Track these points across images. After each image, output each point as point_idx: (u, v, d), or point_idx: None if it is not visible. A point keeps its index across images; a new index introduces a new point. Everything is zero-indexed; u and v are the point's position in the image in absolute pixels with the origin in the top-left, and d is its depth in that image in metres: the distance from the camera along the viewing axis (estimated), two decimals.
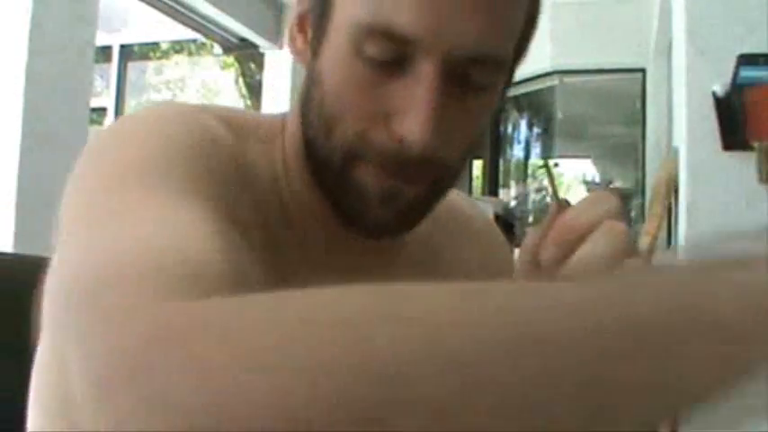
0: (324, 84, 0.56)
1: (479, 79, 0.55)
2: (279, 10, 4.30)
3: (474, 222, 0.77)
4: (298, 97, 0.61)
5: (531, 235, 0.53)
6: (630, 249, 0.50)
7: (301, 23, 0.60)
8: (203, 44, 6.33)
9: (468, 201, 0.81)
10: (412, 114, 0.52)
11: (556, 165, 6.11)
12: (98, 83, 5.48)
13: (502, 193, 6.07)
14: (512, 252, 0.82)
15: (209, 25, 4.12)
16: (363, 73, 0.54)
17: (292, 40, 0.62)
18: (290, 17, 0.61)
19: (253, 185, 0.59)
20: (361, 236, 0.60)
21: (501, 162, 6.16)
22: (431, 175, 0.57)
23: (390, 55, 0.53)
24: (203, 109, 0.61)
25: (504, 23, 0.55)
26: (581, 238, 0.49)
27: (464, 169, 0.61)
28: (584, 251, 0.49)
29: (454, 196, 0.78)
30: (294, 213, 0.62)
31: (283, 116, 0.66)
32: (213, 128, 0.57)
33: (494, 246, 0.77)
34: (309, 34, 0.59)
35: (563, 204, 0.52)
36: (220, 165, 0.54)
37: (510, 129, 6.31)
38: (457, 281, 0.59)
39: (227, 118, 0.61)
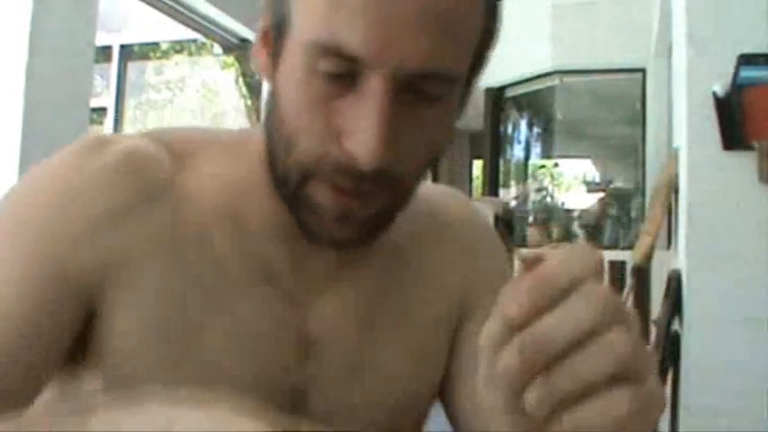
0: (282, 100, 0.58)
1: (431, 91, 0.56)
2: None
3: (458, 226, 0.76)
4: (263, 113, 0.63)
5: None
6: (614, 318, 0.40)
7: (265, 38, 0.62)
8: (203, 44, 6.33)
9: (458, 201, 0.80)
10: (361, 132, 0.53)
11: (556, 165, 6.11)
12: (98, 83, 5.47)
13: (502, 192, 6.08)
14: (504, 254, 0.80)
15: (209, 25, 4.11)
16: (317, 88, 0.55)
17: (257, 55, 0.63)
18: (256, 33, 0.63)
19: (191, 204, 0.62)
20: (323, 248, 0.62)
21: (501, 162, 6.16)
22: (385, 191, 0.57)
23: (342, 70, 0.54)
24: (145, 136, 0.65)
25: (452, 41, 0.55)
26: (558, 297, 0.40)
27: (421, 181, 0.62)
28: (559, 317, 0.39)
29: (443, 198, 0.78)
30: (253, 225, 0.64)
31: (250, 131, 0.68)
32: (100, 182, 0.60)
33: (479, 251, 0.76)
34: (271, 48, 0.60)
35: (530, 260, 0.42)
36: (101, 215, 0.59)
37: (510, 129, 6.31)
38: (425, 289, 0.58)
39: (171, 142, 0.65)
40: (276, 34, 0.58)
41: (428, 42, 0.53)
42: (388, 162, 0.54)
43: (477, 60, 0.60)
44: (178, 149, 0.65)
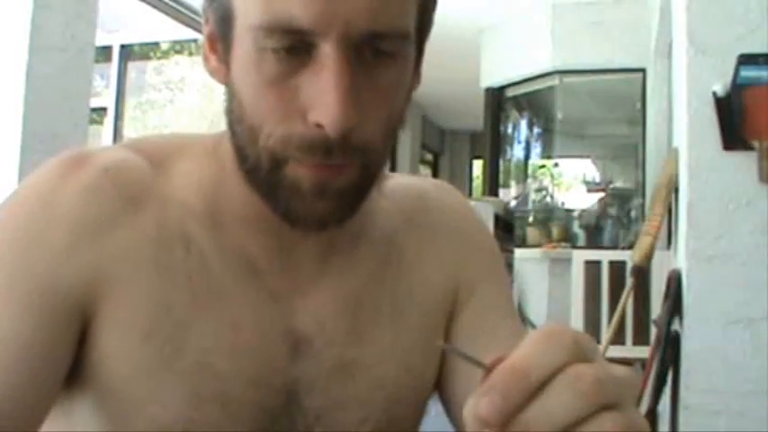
0: (239, 92, 0.58)
1: (385, 49, 0.56)
2: None
3: (446, 216, 0.76)
4: (224, 116, 0.63)
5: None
6: (603, 403, 0.36)
7: (211, 43, 0.62)
8: None
9: (444, 191, 0.80)
10: (324, 99, 0.54)
11: (556, 165, 6.11)
12: (98, 83, 5.48)
13: (502, 192, 6.08)
14: (494, 242, 0.80)
15: None
16: (271, 70, 0.55)
17: (206, 61, 0.63)
18: (202, 41, 0.63)
19: (172, 208, 0.63)
20: (304, 231, 0.62)
21: (501, 162, 6.16)
22: (356, 158, 0.57)
23: (292, 44, 0.54)
24: (124, 146, 0.66)
25: None
26: (533, 389, 0.36)
27: (388, 148, 0.62)
28: (538, 409, 0.36)
29: (429, 189, 0.78)
30: (234, 223, 0.65)
31: (224, 132, 0.67)
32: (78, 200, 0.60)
33: (469, 240, 0.76)
34: (219, 51, 0.61)
35: (492, 364, 0.38)
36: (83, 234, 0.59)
37: (510, 129, 6.31)
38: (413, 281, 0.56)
39: (148, 150, 0.66)
40: (222, 31, 0.59)
41: (370, 1, 0.54)
42: (352, 126, 0.54)
43: (424, 17, 0.61)
44: (155, 156, 0.65)
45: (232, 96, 0.59)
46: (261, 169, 0.58)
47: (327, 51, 0.54)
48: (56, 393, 0.59)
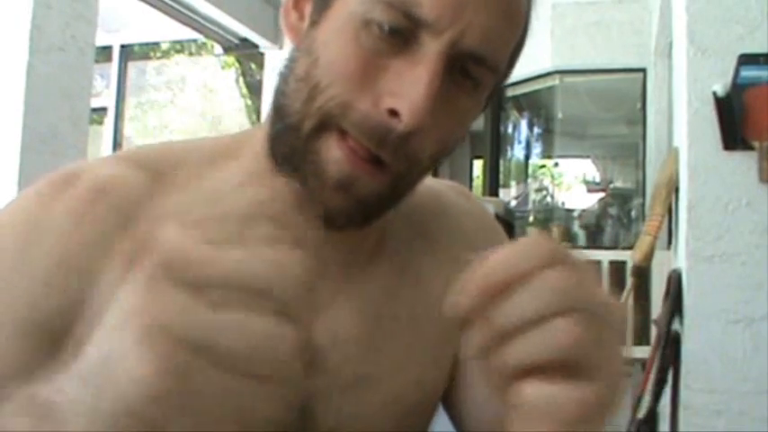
0: (319, 51, 0.56)
1: (475, 76, 0.56)
2: (279, 10, 4.30)
3: (468, 227, 0.75)
4: (277, 76, 0.61)
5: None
6: (573, 305, 0.40)
7: (297, 0, 0.61)
8: (204, 44, 6.33)
9: (469, 202, 0.79)
10: (412, 89, 0.53)
11: (556, 165, 6.11)
12: (98, 83, 5.47)
13: (502, 192, 6.08)
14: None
15: (209, 25, 4.12)
16: (367, 42, 0.54)
17: (286, 14, 0.62)
18: None
19: (172, 223, 0.59)
20: (307, 217, 0.59)
21: (501, 162, 6.16)
22: (401, 163, 0.56)
23: (400, 25, 0.53)
24: (120, 159, 0.63)
25: (509, 28, 0.57)
26: (506, 287, 0.40)
27: (428, 172, 0.61)
28: (511, 301, 0.40)
29: (446, 193, 0.76)
30: (245, 235, 0.62)
31: (241, 133, 0.66)
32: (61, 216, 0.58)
33: (484, 246, 0.75)
34: (309, 6, 0.60)
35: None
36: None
37: (510, 129, 6.31)
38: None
39: (146, 161, 0.62)
40: None
41: (491, 22, 0.54)
42: (425, 126, 0.53)
43: (509, 65, 0.61)
44: (154, 168, 0.62)
45: (305, 54, 0.57)
46: (300, 130, 0.56)
47: (432, 49, 0.53)
48: None
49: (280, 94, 0.59)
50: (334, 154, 0.55)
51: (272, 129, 0.60)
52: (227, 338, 0.58)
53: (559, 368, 0.40)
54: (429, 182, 0.77)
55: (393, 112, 0.53)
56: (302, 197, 0.58)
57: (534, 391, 0.40)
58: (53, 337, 0.56)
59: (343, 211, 0.57)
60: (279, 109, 0.59)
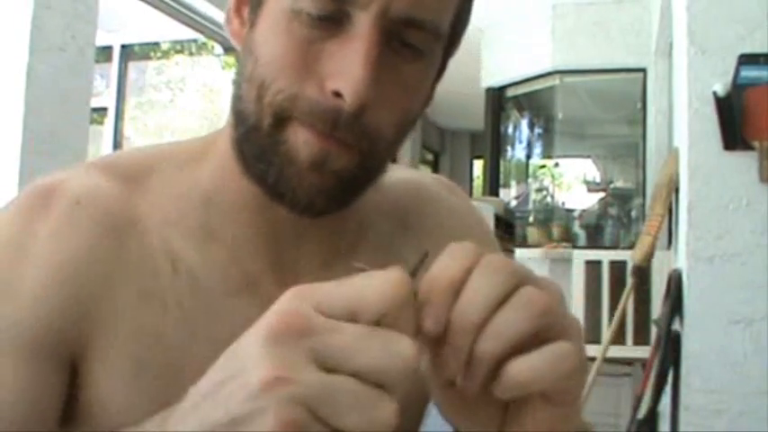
0: (258, 50, 0.56)
1: (415, 42, 0.56)
2: None
3: (450, 219, 0.74)
4: (232, 84, 0.62)
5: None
6: (526, 280, 0.42)
7: (238, 7, 0.62)
8: (204, 44, 6.33)
9: (451, 193, 0.78)
10: (349, 68, 0.53)
11: (556, 164, 6.11)
12: (98, 83, 5.47)
13: (502, 192, 6.08)
14: (498, 248, 0.79)
15: (209, 25, 4.11)
16: (300, 32, 0.54)
17: (229, 23, 0.62)
18: (228, 2, 0.63)
19: (153, 228, 0.60)
20: (291, 210, 0.59)
21: (501, 162, 6.16)
22: (362, 140, 0.56)
23: (328, 10, 0.53)
24: (93, 168, 0.62)
25: None
26: (453, 289, 0.41)
27: (397, 146, 0.60)
28: (467, 300, 0.41)
29: (436, 189, 0.76)
30: (224, 234, 0.62)
31: (213, 134, 0.66)
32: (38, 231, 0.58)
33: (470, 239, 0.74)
34: (247, 10, 0.60)
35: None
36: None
37: (510, 129, 6.31)
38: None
39: (122, 168, 0.62)
40: None
41: None
42: (370, 101, 0.53)
43: (458, 21, 0.60)
44: (130, 173, 0.62)
45: (248, 56, 0.58)
46: (261, 129, 0.56)
47: (362, 23, 0.53)
48: None
49: (236, 99, 0.59)
50: (301, 136, 0.55)
51: (235, 132, 0.60)
52: (215, 340, 0.58)
53: (534, 339, 0.41)
54: (412, 174, 0.77)
55: (337, 94, 0.53)
56: (272, 194, 0.59)
57: (521, 365, 0.41)
58: (54, 354, 0.56)
59: (318, 192, 0.56)
60: (238, 113, 0.59)
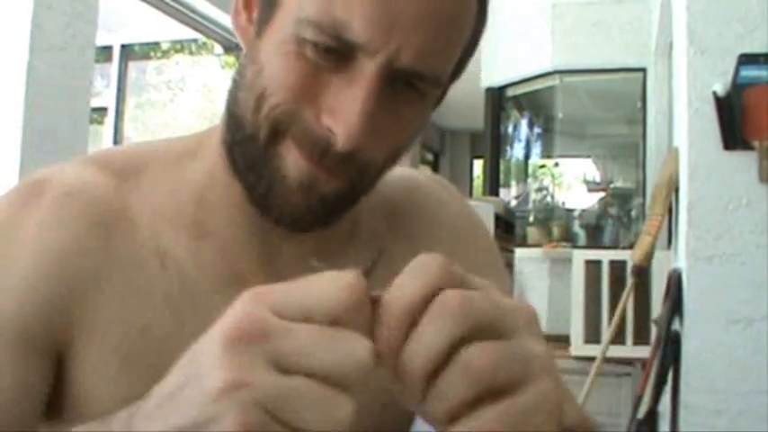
0: (262, 62, 0.56)
1: (417, 87, 0.56)
2: None
3: (445, 218, 0.74)
4: (230, 80, 0.61)
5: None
6: (474, 324, 0.38)
7: (247, 1, 0.61)
8: (204, 44, 6.33)
9: (446, 192, 0.78)
10: (345, 112, 0.53)
11: (556, 164, 6.11)
12: (98, 82, 5.47)
13: (502, 192, 6.07)
14: (495, 247, 0.78)
15: (209, 25, 4.11)
16: (305, 61, 0.54)
17: (236, 15, 0.62)
18: None
19: (143, 223, 0.60)
20: (277, 224, 0.59)
21: (501, 162, 6.16)
22: (352, 172, 0.56)
23: (332, 48, 0.53)
24: (86, 163, 0.63)
25: (446, 43, 0.56)
26: (408, 321, 0.39)
27: (385, 173, 0.61)
28: (415, 339, 0.38)
29: (430, 187, 0.76)
30: (214, 230, 0.62)
31: (206, 131, 0.66)
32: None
33: (466, 244, 0.74)
34: (255, 13, 0.60)
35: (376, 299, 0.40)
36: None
37: (510, 128, 6.31)
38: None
39: (115, 164, 0.63)
40: (266, 2, 0.58)
41: (426, 39, 0.53)
42: (360, 147, 0.53)
43: (459, 64, 0.60)
44: (123, 168, 0.63)
45: (251, 63, 0.57)
46: (256, 140, 0.56)
47: (367, 69, 0.53)
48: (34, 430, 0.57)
49: (233, 100, 0.59)
50: (293, 156, 0.55)
51: (229, 136, 0.60)
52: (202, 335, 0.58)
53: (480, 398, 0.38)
54: (407, 172, 0.77)
55: (331, 131, 0.54)
56: (259, 206, 0.59)
57: (471, 422, 0.38)
58: (40, 346, 0.56)
59: (303, 212, 0.57)
60: (233, 117, 0.59)
